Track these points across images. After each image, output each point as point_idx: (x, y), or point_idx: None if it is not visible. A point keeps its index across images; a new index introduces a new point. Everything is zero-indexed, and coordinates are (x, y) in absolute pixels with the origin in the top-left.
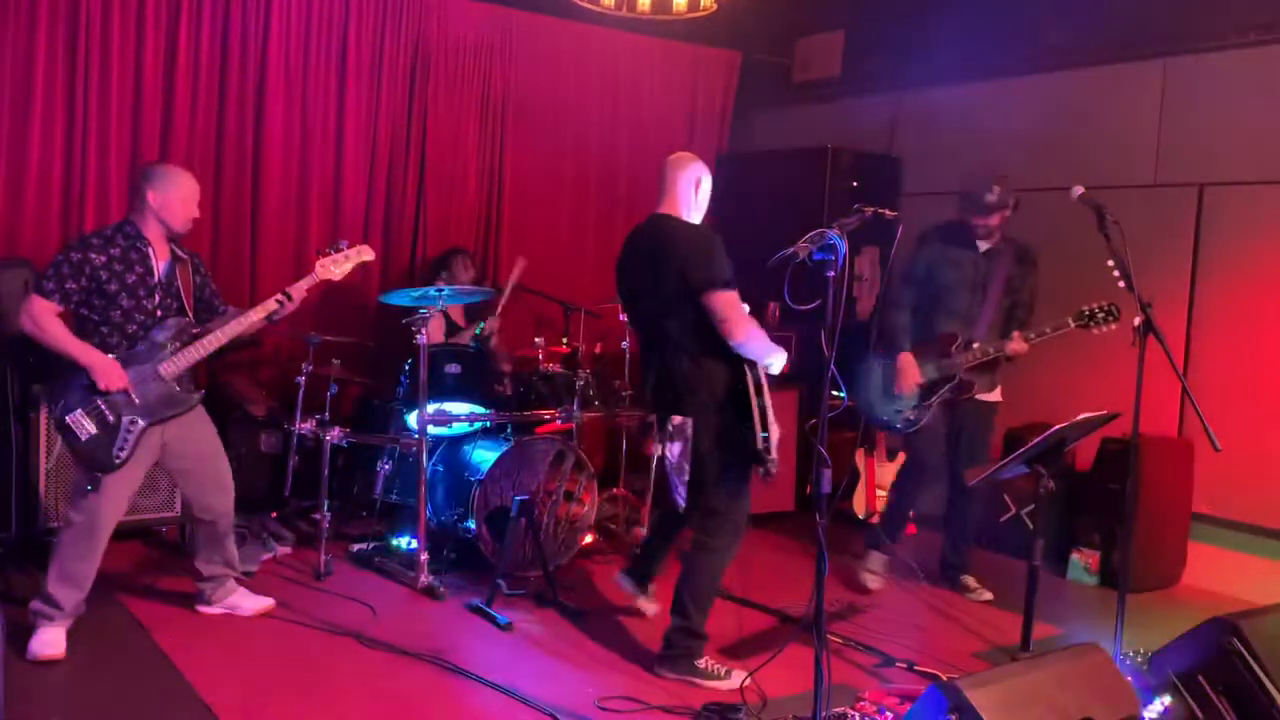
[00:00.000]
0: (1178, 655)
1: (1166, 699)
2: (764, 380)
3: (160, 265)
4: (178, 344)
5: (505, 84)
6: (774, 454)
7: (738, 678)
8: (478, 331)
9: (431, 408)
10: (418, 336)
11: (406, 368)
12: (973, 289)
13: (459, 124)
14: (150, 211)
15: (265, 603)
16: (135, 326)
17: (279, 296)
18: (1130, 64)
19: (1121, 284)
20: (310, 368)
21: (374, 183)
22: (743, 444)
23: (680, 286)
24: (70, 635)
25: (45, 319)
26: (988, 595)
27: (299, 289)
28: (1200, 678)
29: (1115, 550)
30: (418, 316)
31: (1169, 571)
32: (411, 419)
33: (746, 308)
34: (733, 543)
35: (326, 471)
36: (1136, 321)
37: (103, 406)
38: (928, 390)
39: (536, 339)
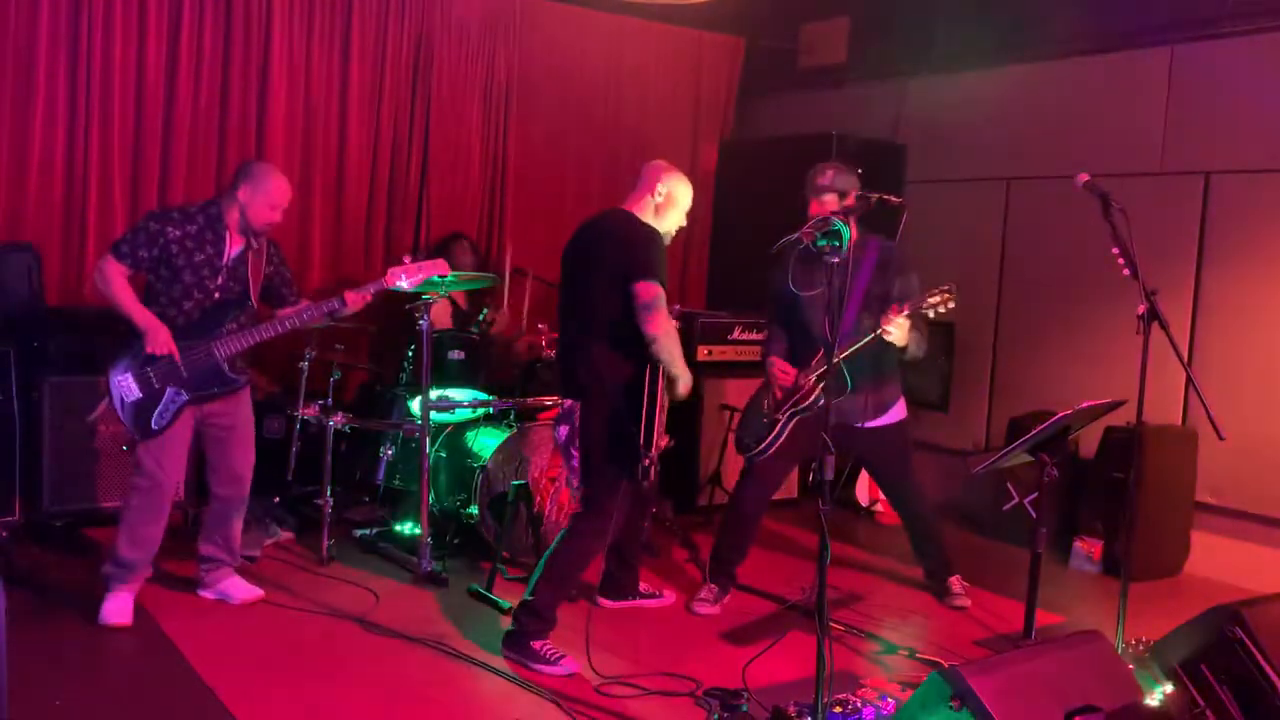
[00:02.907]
0: (1180, 643)
1: (1168, 687)
2: (662, 388)
3: (232, 250)
4: (234, 326)
5: (509, 67)
6: (653, 458)
7: (567, 666)
8: (480, 318)
9: (434, 394)
10: (420, 322)
11: (409, 354)
12: (828, 307)
13: (462, 107)
14: (238, 203)
15: (255, 593)
16: (192, 304)
17: (341, 296)
18: (1137, 51)
19: (1126, 272)
20: (313, 353)
21: (377, 166)
22: (626, 438)
23: (615, 272)
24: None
25: (114, 279)
26: (968, 603)
27: (365, 292)
28: (1203, 666)
29: (1118, 539)
30: (421, 302)
31: (1172, 560)
32: (414, 405)
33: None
34: (598, 532)
35: (329, 457)
36: (1141, 309)
37: (151, 374)
38: (777, 406)
39: (540, 325)
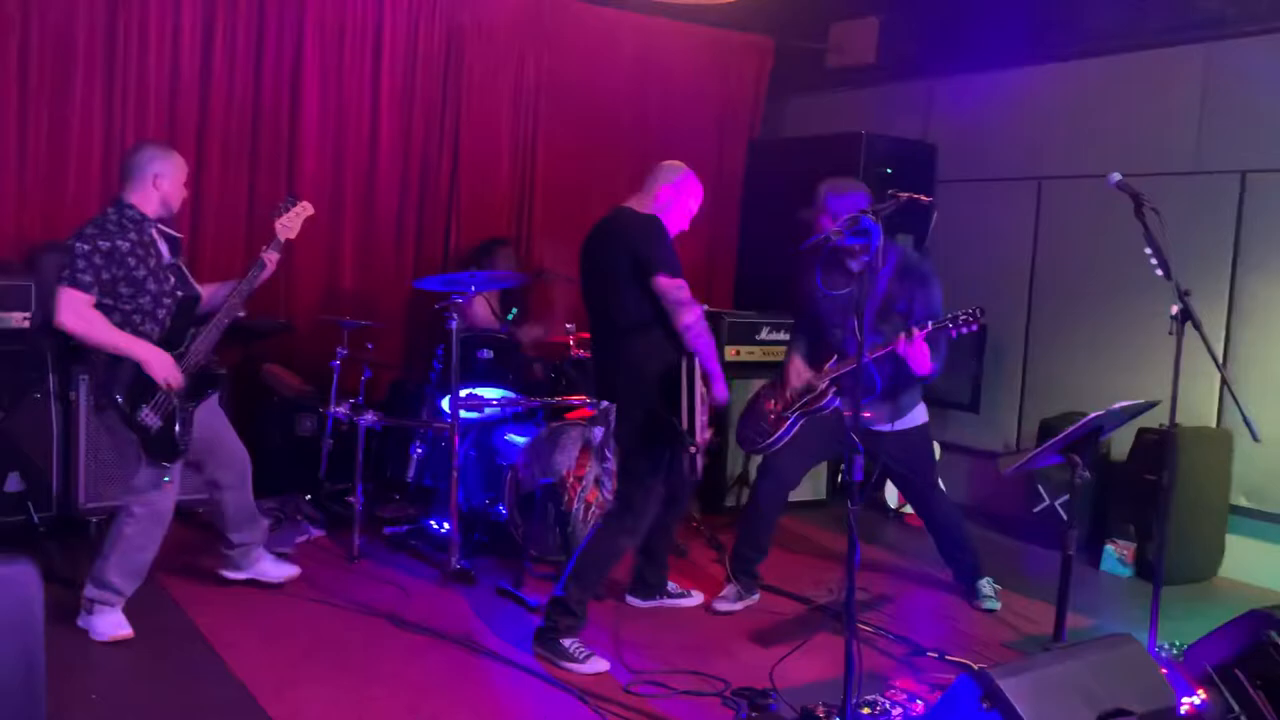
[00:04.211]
0: (1214, 648)
1: (1202, 692)
2: (698, 377)
3: (163, 247)
4: (201, 322)
5: (538, 69)
6: (699, 447)
7: (596, 665)
8: (509, 317)
9: (464, 392)
10: (449, 322)
11: (439, 353)
12: (851, 309)
13: (492, 110)
14: (156, 194)
15: (292, 570)
16: (164, 311)
17: (259, 261)
18: (1171, 49)
19: (1160, 272)
20: (345, 352)
21: (408, 168)
22: (662, 432)
23: (628, 272)
24: None
25: (91, 314)
26: (998, 604)
27: (274, 251)
28: (1237, 671)
29: (1151, 542)
30: (450, 302)
31: (1206, 564)
32: (444, 403)
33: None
34: (630, 528)
35: (361, 455)
36: (1174, 310)
37: (162, 399)
38: (788, 405)
39: (567, 325)
